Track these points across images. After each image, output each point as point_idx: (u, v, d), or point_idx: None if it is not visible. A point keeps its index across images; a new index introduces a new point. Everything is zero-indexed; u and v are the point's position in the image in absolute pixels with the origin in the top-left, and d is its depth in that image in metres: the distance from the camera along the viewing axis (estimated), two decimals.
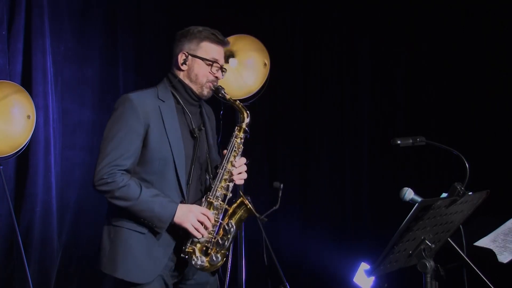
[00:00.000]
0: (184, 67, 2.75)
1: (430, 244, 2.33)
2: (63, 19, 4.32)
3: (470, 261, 2.49)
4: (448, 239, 2.50)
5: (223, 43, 2.78)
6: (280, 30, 4.99)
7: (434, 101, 4.52)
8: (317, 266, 4.65)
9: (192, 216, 2.60)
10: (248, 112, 2.78)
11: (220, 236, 2.69)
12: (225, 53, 4.15)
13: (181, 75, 2.77)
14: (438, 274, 2.32)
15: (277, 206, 2.80)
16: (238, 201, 2.73)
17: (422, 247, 2.33)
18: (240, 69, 4.18)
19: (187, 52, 2.74)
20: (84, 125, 4.43)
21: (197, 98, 2.78)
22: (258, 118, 3.85)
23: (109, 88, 4.56)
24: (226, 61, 4.18)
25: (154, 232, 2.61)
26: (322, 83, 5.02)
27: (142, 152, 2.62)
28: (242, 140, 2.77)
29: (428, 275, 2.31)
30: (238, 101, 2.80)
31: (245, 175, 2.78)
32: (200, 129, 2.77)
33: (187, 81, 2.76)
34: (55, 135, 4.22)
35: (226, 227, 2.69)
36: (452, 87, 4.42)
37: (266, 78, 4.21)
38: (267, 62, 4.23)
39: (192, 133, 2.74)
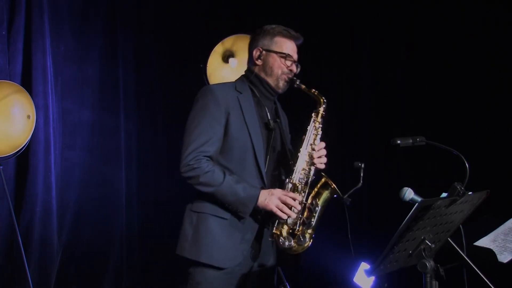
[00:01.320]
0: (259, 62, 2.86)
1: (430, 244, 2.33)
2: (63, 19, 4.33)
3: (470, 261, 2.49)
4: (448, 239, 2.50)
5: (295, 38, 2.87)
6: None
7: (434, 101, 4.52)
8: (317, 266, 4.65)
9: (274, 198, 2.67)
10: (324, 98, 2.85)
11: (306, 216, 2.74)
12: (225, 53, 4.19)
13: (256, 69, 2.87)
14: (438, 274, 2.32)
15: (360, 184, 2.80)
16: (321, 181, 2.78)
17: (422, 247, 2.33)
18: (240, 69, 4.16)
19: (261, 48, 2.85)
20: (84, 125, 4.44)
21: (273, 91, 2.86)
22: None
23: (109, 88, 4.56)
24: (226, 61, 4.19)
25: (236, 217, 2.68)
26: (322, 83, 5.02)
27: (223, 140, 2.72)
28: (320, 125, 2.84)
29: (428, 275, 2.31)
30: (313, 89, 2.87)
31: (325, 159, 2.82)
32: (275, 121, 2.85)
33: (262, 75, 2.85)
34: (55, 135, 4.22)
35: (311, 206, 2.75)
36: (452, 87, 4.42)
37: None
38: None
39: (267, 124, 2.83)
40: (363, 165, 2.82)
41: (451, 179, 2.35)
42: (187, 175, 2.65)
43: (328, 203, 2.81)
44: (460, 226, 2.53)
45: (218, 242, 2.66)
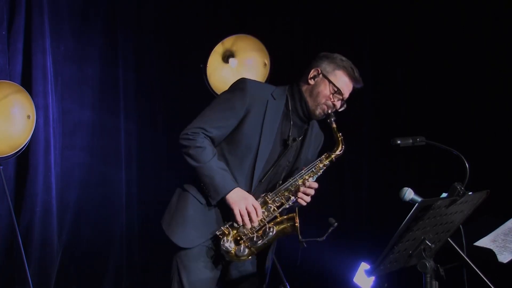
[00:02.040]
0: (311, 82, 2.82)
1: (430, 244, 2.33)
2: (63, 19, 4.32)
3: (470, 261, 2.49)
4: (448, 239, 2.50)
5: (356, 80, 2.83)
6: (280, 30, 4.98)
7: (434, 101, 4.52)
8: (317, 266, 4.65)
9: (243, 203, 2.69)
10: (343, 146, 2.86)
11: (258, 234, 2.74)
12: (225, 53, 4.20)
13: (304, 87, 2.84)
14: (438, 274, 2.32)
15: (323, 238, 2.82)
16: (290, 215, 2.78)
17: (422, 247, 2.33)
18: (240, 69, 4.18)
19: (320, 70, 2.81)
20: (84, 125, 4.43)
21: (307, 113, 2.84)
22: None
23: (109, 88, 4.56)
24: (226, 61, 4.19)
25: (210, 205, 2.73)
26: None
27: (233, 131, 2.75)
28: (324, 168, 2.85)
29: (428, 275, 2.31)
30: (340, 134, 2.87)
31: (309, 199, 2.83)
32: (294, 140, 2.84)
33: (306, 94, 2.82)
34: (55, 135, 4.22)
35: (267, 229, 2.74)
36: (452, 87, 4.42)
37: (266, 78, 4.21)
38: (267, 62, 4.23)
39: (286, 140, 2.82)
40: (336, 225, 2.85)
41: (451, 179, 2.35)
42: (181, 143, 2.73)
43: (283, 236, 2.81)
44: (460, 226, 2.53)
45: (185, 221, 2.74)
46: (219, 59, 4.18)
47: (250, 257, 2.77)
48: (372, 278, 4.17)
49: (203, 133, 2.71)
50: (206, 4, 4.89)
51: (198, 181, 2.73)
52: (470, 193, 2.33)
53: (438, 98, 4.51)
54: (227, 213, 2.74)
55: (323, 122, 2.93)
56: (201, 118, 2.75)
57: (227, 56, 4.18)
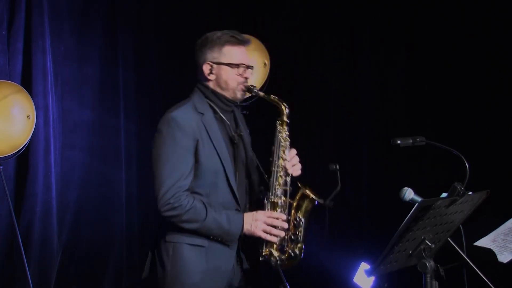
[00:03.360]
0: (212, 77, 2.74)
1: (430, 244, 2.33)
2: (63, 19, 4.32)
3: (470, 261, 2.49)
4: (448, 239, 2.50)
5: (244, 42, 2.75)
6: (280, 30, 4.98)
7: (434, 101, 4.52)
8: (317, 266, 4.65)
9: (260, 223, 2.64)
10: (285, 104, 2.77)
11: (292, 231, 2.72)
12: None
13: (211, 84, 2.75)
14: (438, 274, 2.32)
15: (338, 188, 2.76)
16: (299, 194, 2.75)
17: (422, 247, 2.33)
18: None
19: (211, 62, 2.72)
20: (84, 125, 4.43)
21: (232, 103, 2.78)
22: (258, 118, 3.86)
23: (109, 88, 4.56)
24: None
25: (215, 243, 2.63)
26: (322, 83, 5.02)
27: (194, 167, 2.63)
28: (287, 133, 2.78)
29: (428, 275, 2.31)
30: (272, 96, 2.79)
31: (299, 165, 2.78)
32: (239, 135, 2.79)
33: (219, 90, 2.74)
34: (55, 135, 4.22)
35: (295, 221, 2.72)
36: (452, 87, 4.42)
37: (266, 78, 4.21)
38: (267, 62, 4.23)
39: (232, 140, 2.76)
40: (338, 167, 2.81)
41: (451, 179, 2.35)
42: (168, 214, 2.56)
43: (310, 212, 2.79)
44: (460, 226, 2.53)
45: (199, 272, 2.62)
46: None
47: (302, 252, 2.72)
48: (372, 278, 4.17)
49: (182, 192, 2.56)
50: (206, 4, 4.89)
51: (181, 227, 2.60)
52: (470, 193, 2.33)
53: (438, 98, 4.51)
54: (236, 245, 2.68)
55: None
56: (166, 178, 2.55)
57: None
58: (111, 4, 4.56)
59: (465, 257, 2.50)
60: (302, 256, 2.73)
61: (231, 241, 2.64)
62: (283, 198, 2.72)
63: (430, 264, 2.31)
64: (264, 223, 2.64)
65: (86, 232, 4.40)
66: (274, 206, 2.71)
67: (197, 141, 2.63)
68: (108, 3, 4.54)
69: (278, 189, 2.72)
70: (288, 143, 2.78)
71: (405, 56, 4.68)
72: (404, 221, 2.18)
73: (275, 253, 2.69)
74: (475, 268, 2.47)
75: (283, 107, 2.77)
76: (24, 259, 3.69)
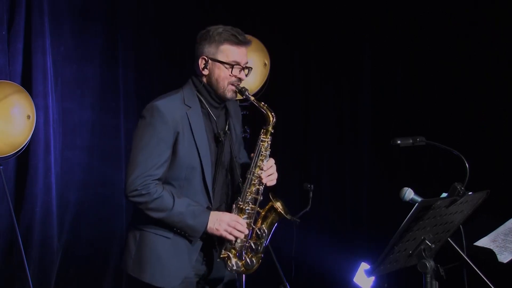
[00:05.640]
0: (205, 72, 2.71)
1: (430, 244, 2.33)
2: (63, 19, 4.32)
3: (470, 261, 2.49)
4: (448, 239, 2.50)
5: (243, 43, 2.70)
6: (280, 30, 4.98)
7: (434, 101, 4.52)
8: (317, 266, 4.65)
9: (224, 224, 2.64)
10: (273, 114, 2.73)
11: (254, 241, 2.72)
12: None
13: (204, 79, 2.73)
14: (438, 274, 2.32)
15: (309, 207, 2.81)
16: (268, 205, 2.75)
17: (422, 247, 2.33)
18: None
19: (206, 56, 2.70)
20: (84, 125, 4.43)
21: (221, 101, 2.76)
22: (257, 118, 3.85)
23: (109, 88, 4.56)
24: None
25: (179, 236, 2.65)
26: (322, 83, 5.02)
27: (171, 159, 2.63)
28: (269, 143, 2.74)
29: (428, 275, 2.31)
30: (262, 103, 2.75)
31: (275, 175, 2.77)
32: (225, 133, 2.76)
33: (210, 85, 2.72)
34: (55, 135, 4.22)
35: (258, 232, 2.72)
36: (452, 87, 4.42)
37: (266, 78, 4.21)
38: (267, 62, 4.22)
39: (217, 137, 2.73)
40: (312, 187, 2.83)
41: (451, 179, 2.35)
42: (135, 200, 2.58)
43: (275, 225, 2.78)
44: (460, 226, 2.53)
45: (161, 262, 2.63)
46: None
47: (259, 262, 2.73)
48: (372, 278, 4.17)
49: (152, 180, 2.57)
50: (206, 4, 4.89)
51: (150, 216, 2.61)
52: (470, 193, 2.33)
53: (438, 98, 4.51)
54: (201, 239, 2.68)
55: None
56: (138, 165, 2.57)
57: None
58: (111, 4, 4.56)
59: (465, 257, 2.50)
60: (256, 268, 2.73)
61: (194, 237, 2.64)
62: (252, 205, 2.72)
63: (430, 264, 2.30)
64: (228, 225, 2.64)
65: (86, 232, 4.40)
66: (241, 211, 2.71)
67: (178, 133, 2.62)
68: (108, 3, 4.54)
69: (249, 196, 2.72)
70: (268, 153, 2.75)
71: (405, 56, 4.68)
72: (404, 221, 2.18)
73: (233, 258, 2.69)
74: (475, 268, 2.47)
75: (270, 116, 2.72)
76: (24, 259, 3.69)
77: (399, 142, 2.65)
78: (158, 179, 2.60)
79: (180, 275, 2.66)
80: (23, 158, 4.01)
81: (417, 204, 2.18)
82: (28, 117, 3.73)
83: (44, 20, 4.12)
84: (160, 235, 2.64)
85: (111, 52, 4.56)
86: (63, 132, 4.31)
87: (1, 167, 3.67)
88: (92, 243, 4.42)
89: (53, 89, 4.20)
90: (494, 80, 4.21)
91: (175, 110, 2.64)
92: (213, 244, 2.72)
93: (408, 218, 2.17)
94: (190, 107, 2.68)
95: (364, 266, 4.25)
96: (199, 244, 2.69)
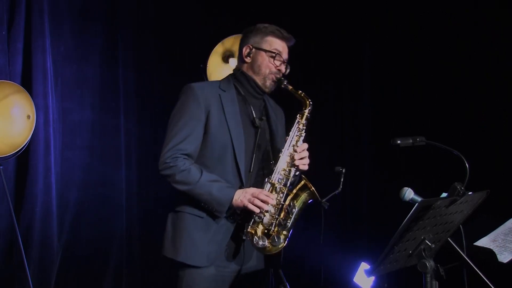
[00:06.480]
0: (248, 59, 2.84)
1: (430, 244, 2.33)
2: (63, 19, 4.33)
3: (470, 261, 2.49)
4: (448, 239, 2.50)
5: (287, 39, 2.88)
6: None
7: (434, 101, 4.52)
8: (317, 266, 4.64)
9: (249, 195, 2.65)
10: (310, 100, 2.83)
11: (282, 217, 2.72)
12: (225, 53, 4.19)
13: (244, 67, 2.86)
14: (438, 274, 2.32)
15: (339, 189, 2.81)
16: (301, 184, 2.76)
17: (422, 247, 2.33)
18: None
19: (251, 45, 2.84)
20: (84, 125, 4.44)
21: (260, 90, 2.85)
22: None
23: (109, 88, 4.56)
24: (226, 61, 4.18)
25: (212, 216, 2.68)
26: (322, 83, 5.02)
27: (203, 137, 2.72)
28: (304, 127, 2.81)
29: (428, 275, 2.31)
30: (300, 91, 2.85)
31: (307, 161, 2.80)
32: (261, 119, 2.83)
33: (250, 73, 2.84)
34: (55, 135, 4.22)
35: (288, 208, 2.73)
36: (452, 87, 4.42)
37: None
38: None
39: (253, 122, 2.81)
40: (344, 170, 2.86)
41: (451, 179, 2.35)
42: (164, 173, 2.68)
43: (306, 206, 2.79)
44: (460, 226, 2.53)
45: (193, 241, 2.67)
46: (219, 59, 4.18)
47: (286, 242, 2.72)
48: (372, 278, 4.17)
49: (181, 154, 2.66)
50: (206, 4, 4.89)
51: (189, 197, 2.68)
52: (470, 193, 2.33)
53: (438, 98, 4.50)
54: (232, 220, 2.71)
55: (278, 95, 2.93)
56: (170, 140, 2.69)
57: (227, 56, 4.18)
58: (111, 4, 4.56)
59: (465, 257, 2.49)
60: (284, 245, 2.71)
61: (220, 211, 2.65)
62: (283, 185, 2.73)
63: (430, 264, 2.30)
64: (251, 195, 2.64)
65: (86, 232, 4.40)
66: (272, 188, 2.72)
67: (209, 111, 2.71)
68: (108, 3, 4.55)
69: (280, 174, 2.74)
70: (303, 136, 2.81)
71: (405, 56, 4.68)
72: (404, 221, 2.18)
73: (259, 233, 2.68)
74: (475, 268, 2.47)
75: (307, 102, 2.83)
76: (24, 259, 3.69)
77: (399, 142, 2.65)
78: (187, 154, 2.68)
79: (211, 255, 2.68)
80: (23, 158, 4.01)
81: (417, 204, 2.18)
82: (28, 117, 3.73)
83: (44, 20, 4.12)
84: (194, 214, 2.69)
85: (111, 52, 4.57)
86: (63, 132, 4.31)
87: (1, 167, 3.67)
88: (92, 243, 4.42)
89: (53, 89, 4.20)
90: (494, 80, 4.21)
91: (208, 90, 2.77)
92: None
93: (408, 218, 2.17)
94: (225, 91, 2.79)
95: (364, 266, 4.25)
96: (230, 227, 2.71)
